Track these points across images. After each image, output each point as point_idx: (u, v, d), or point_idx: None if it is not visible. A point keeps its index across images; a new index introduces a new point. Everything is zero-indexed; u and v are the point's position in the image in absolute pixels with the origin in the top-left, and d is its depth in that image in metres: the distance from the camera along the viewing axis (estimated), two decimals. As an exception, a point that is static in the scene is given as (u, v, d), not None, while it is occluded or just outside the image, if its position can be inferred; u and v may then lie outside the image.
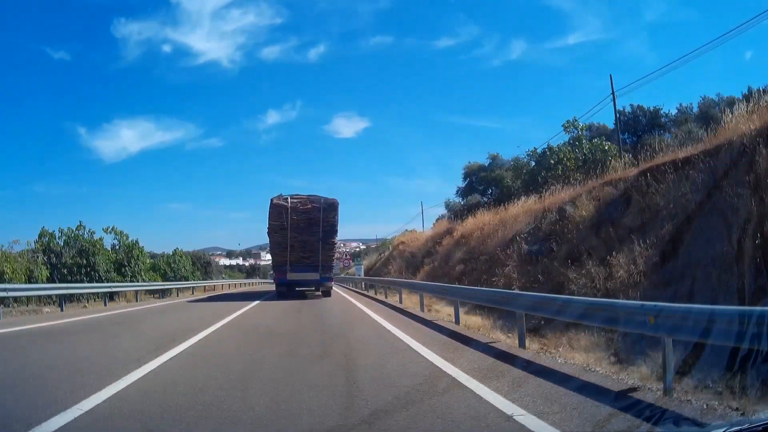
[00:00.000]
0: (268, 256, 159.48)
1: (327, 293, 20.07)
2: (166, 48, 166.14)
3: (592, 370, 5.37)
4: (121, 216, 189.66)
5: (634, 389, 4.40)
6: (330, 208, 19.36)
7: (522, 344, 7.05)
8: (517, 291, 9.23)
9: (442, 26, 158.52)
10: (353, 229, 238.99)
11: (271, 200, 19.30)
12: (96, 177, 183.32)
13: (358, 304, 16.32)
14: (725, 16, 71.59)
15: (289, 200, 19.19)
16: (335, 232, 19.83)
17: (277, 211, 19.04)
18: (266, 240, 20.74)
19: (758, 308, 3.80)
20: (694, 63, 66.94)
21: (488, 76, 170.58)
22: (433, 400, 4.20)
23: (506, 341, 7.72)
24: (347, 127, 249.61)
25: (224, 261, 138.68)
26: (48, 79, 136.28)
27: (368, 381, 4.89)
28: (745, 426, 2.20)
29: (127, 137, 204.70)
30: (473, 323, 10.17)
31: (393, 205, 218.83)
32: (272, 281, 24.54)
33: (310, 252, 19.10)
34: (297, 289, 19.79)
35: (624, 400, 4.07)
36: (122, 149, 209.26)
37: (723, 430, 2.25)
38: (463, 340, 7.72)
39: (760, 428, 2.13)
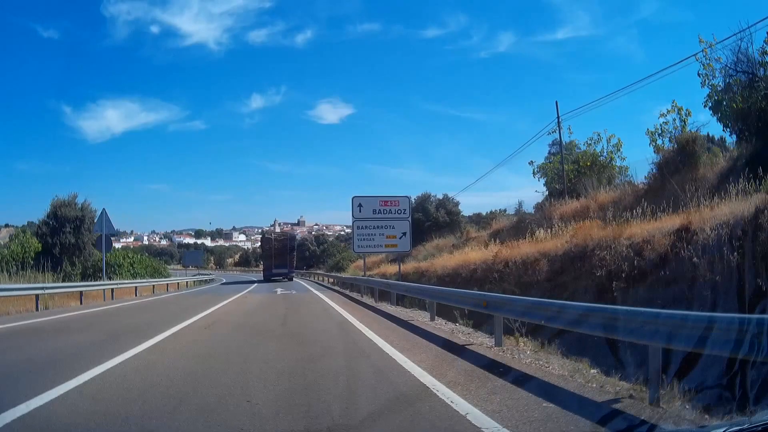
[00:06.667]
0: (243, 237, 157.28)
1: (291, 279, 38.87)
2: (154, 28, 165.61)
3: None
4: (101, 195, 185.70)
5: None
6: (293, 238, 44.61)
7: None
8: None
9: (431, 15, 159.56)
10: (332, 215, 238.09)
11: (263, 234, 48.23)
12: (79, 156, 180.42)
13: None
14: (719, 17, 74.07)
15: (273, 234, 44.70)
16: (294, 249, 43.72)
17: (267, 239, 42.42)
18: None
19: None
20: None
21: (475, 68, 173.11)
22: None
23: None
24: (331, 113, 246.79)
25: (189, 240, 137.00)
26: (35, 56, 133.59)
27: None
28: (745, 426, 2.20)
29: (111, 117, 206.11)
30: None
31: (373, 191, 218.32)
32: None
33: (283, 260, 39.10)
34: (273, 279, 37.72)
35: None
36: (106, 129, 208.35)
37: (722, 430, 2.25)
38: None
39: (760, 429, 2.14)
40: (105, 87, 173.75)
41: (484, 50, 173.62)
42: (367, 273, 30.99)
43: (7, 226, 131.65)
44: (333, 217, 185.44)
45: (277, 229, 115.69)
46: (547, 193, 29.92)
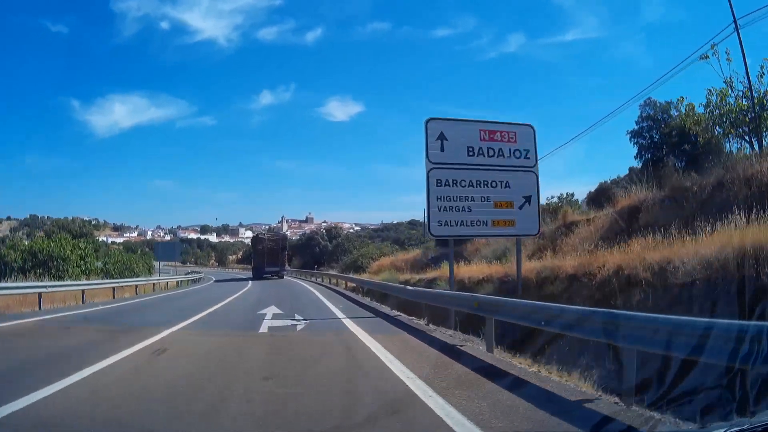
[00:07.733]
0: (249, 233, 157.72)
1: (281, 277, 41.29)
2: (164, 24, 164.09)
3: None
4: (109, 190, 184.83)
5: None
6: (284, 239, 47.73)
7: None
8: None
9: (440, 16, 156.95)
10: (341, 215, 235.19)
11: (257, 235, 53.46)
12: (87, 151, 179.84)
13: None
14: (720, 19, 69.37)
15: (265, 235, 50.67)
16: (286, 248, 45.44)
17: (259, 239, 45.19)
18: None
19: None
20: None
21: (484, 68, 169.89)
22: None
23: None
24: (341, 110, 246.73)
25: (194, 236, 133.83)
26: (44, 52, 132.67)
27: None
28: (746, 427, 2.20)
29: (120, 112, 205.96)
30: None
31: (380, 192, 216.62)
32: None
33: (275, 259, 41.21)
34: (264, 276, 39.66)
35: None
36: (114, 124, 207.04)
37: (723, 431, 2.24)
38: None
39: (761, 429, 2.15)
40: (114, 82, 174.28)
41: (493, 51, 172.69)
42: (387, 279, 20.46)
43: (8, 218, 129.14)
44: (342, 216, 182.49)
45: (285, 227, 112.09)
46: (639, 163, 21.78)
